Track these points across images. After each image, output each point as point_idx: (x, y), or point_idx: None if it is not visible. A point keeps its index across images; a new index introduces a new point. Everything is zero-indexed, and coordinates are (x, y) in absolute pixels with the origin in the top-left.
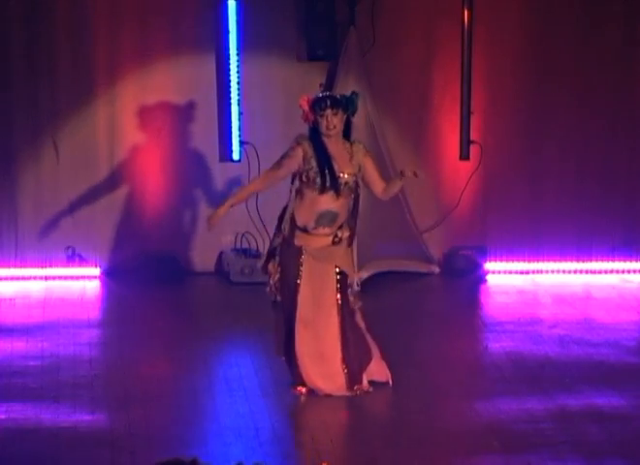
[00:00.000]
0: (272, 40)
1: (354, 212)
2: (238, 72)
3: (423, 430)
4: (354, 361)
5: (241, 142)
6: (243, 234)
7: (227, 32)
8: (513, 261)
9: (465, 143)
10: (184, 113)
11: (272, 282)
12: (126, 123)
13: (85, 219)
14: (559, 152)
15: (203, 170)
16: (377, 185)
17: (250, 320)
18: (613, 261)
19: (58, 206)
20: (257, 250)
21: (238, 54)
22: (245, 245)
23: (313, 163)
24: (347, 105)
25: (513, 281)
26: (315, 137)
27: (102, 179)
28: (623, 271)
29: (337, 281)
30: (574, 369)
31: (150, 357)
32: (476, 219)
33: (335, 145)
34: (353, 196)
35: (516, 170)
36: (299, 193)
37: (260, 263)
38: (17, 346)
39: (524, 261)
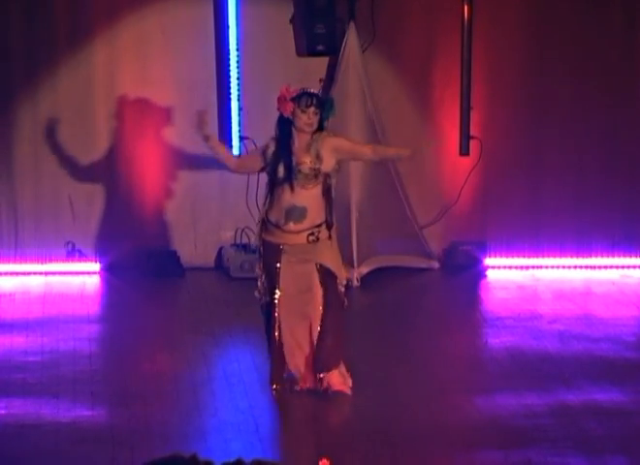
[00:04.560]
0: (272, 35)
1: (328, 206)
2: (237, 67)
3: (422, 425)
4: (324, 357)
5: (241, 138)
6: (243, 230)
7: (227, 27)
8: (513, 256)
9: (465, 139)
10: (184, 109)
11: (259, 283)
12: (125, 119)
13: (85, 214)
14: (559, 148)
15: (202, 166)
16: (360, 149)
17: (250, 315)
18: (613, 256)
19: (58, 202)
20: (257, 246)
21: (237, 49)
22: (245, 240)
23: (272, 157)
24: (327, 108)
25: (513, 276)
26: (284, 126)
27: (101, 175)
28: (622, 267)
29: (320, 277)
30: (574, 365)
31: (150, 353)
32: (476, 214)
33: (301, 138)
34: (322, 187)
35: (516, 166)
36: (270, 192)
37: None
38: (17, 341)
39: (524, 256)
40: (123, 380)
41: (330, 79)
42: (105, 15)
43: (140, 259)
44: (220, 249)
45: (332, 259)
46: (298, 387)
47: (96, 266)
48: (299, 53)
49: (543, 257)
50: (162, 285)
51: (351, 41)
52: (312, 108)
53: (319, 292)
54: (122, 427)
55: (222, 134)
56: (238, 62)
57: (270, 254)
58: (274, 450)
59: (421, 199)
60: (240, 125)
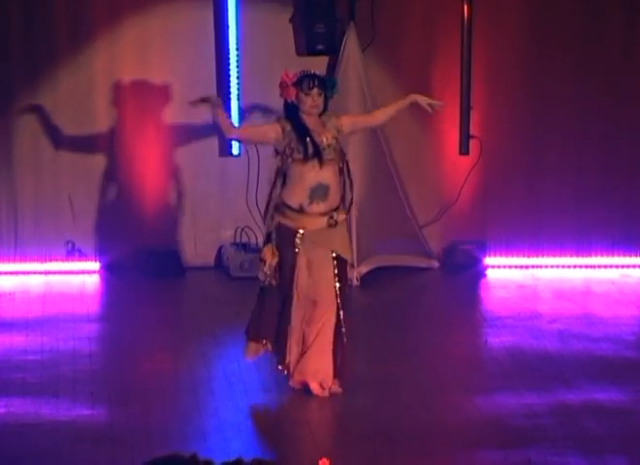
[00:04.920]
0: (272, 34)
1: (346, 187)
2: (237, 66)
3: (422, 425)
4: (338, 355)
5: None
6: (243, 229)
7: (226, 27)
8: (513, 255)
9: (465, 138)
10: (184, 109)
11: (266, 266)
12: (125, 119)
13: (85, 213)
14: (558, 147)
15: (202, 165)
16: (368, 118)
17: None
18: (612, 256)
19: (58, 201)
20: (257, 245)
21: (237, 49)
22: (245, 240)
23: (293, 135)
24: (330, 87)
25: (513, 276)
26: (292, 112)
27: (101, 174)
28: (622, 266)
29: (335, 267)
30: (574, 364)
31: (150, 352)
32: (476, 214)
33: (311, 120)
34: (340, 166)
35: (515, 165)
36: (283, 174)
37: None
38: (17, 340)
39: (523, 255)
40: (123, 379)
41: None
42: (106, 15)
43: (139, 258)
44: (220, 248)
45: (347, 246)
46: (292, 385)
47: (96, 266)
48: (298, 53)
49: (543, 256)
50: (162, 284)
51: (351, 40)
52: (316, 90)
53: (333, 283)
54: (122, 427)
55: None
56: (237, 61)
57: (286, 238)
58: (274, 450)
59: (421, 198)
60: (239, 124)
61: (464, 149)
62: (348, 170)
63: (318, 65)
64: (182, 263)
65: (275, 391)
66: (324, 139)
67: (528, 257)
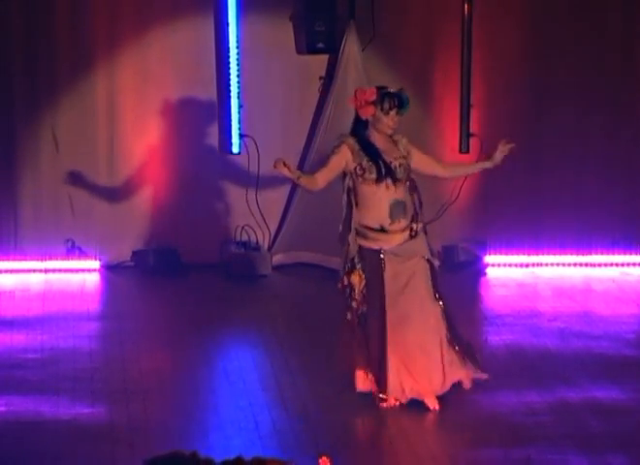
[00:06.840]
0: (272, 32)
1: (417, 201)
2: (238, 65)
3: (422, 424)
4: (455, 354)
5: (241, 135)
6: (243, 227)
7: (227, 24)
8: (513, 254)
9: (465, 136)
10: (184, 106)
11: (356, 293)
12: (126, 117)
13: (85, 212)
14: (559, 145)
15: (203, 163)
16: (435, 165)
17: (250, 313)
18: (613, 254)
19: (58, 199)
20: (257, 243)
21: (237, 47)
22: (245, 238)
23: (363, 155)
24: (405, 107)
25: (513, 274)
26: (360, 130)
27: (102, 172)
28: (622, 264)
29: (428, 270)
30: (574, 362)
31: (150, 351)
32: (476, 212)
33: (379, 139)
34: (408, 183)
35: (516, 163)
36: (355, 196)
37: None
38: (17, 339)
39: (523, 254)
40: (123, 377)
41: (329, 77)
42: (106, 10)
43: (140, 256)
44: (221, 246)
45: (427, 248)
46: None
47: (96, 264)
48: (299, 51)
49: (543, 254)
50: (162, 283)
51: (351, 39)
52: (395, 110)
53: (429, 288)
54: (122, 425)
55: (222, 132)
56: (237, 60)
57: (370, 259)
58: (274, 448)
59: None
60: (239, 123)
61: (464, 147)
62: (418, 190)
63: (318, 63)
64: (183, 261)
65: (276, 390)
66: (394, 160)
67: (529, 255)
